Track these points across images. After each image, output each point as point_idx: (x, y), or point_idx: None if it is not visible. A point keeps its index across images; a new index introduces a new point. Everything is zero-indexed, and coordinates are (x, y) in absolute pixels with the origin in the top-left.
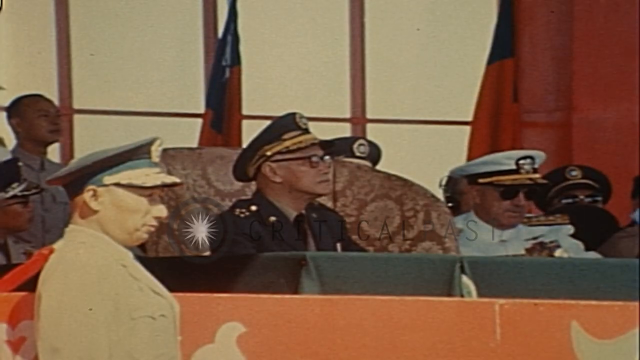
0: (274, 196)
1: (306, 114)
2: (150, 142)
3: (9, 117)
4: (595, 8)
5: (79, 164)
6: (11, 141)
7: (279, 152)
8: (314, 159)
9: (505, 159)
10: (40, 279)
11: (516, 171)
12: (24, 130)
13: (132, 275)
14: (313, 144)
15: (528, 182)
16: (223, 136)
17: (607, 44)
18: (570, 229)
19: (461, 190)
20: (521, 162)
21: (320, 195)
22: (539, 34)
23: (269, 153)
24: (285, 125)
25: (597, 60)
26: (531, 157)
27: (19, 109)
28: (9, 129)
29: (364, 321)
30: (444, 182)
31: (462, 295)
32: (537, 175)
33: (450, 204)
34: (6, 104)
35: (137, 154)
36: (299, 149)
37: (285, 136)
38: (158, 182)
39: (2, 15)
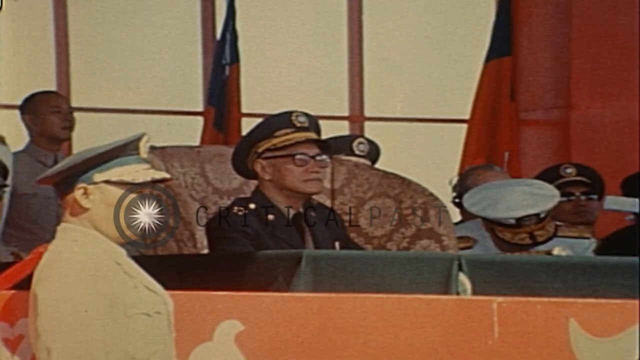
0: (270, 194)
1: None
2: (138, 138)
3: (22, 114)
4: (593, 6)
5: (69, 163)
6: (23, 138)
7: (268, 149)
8: (299, 157)
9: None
10: (34, 277)
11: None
12: (37, 127)
13: (127, 272)
14: (299, 142)
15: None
16: (224, 134)
17: (606, 42)
18: (593, 242)
19: (469, 185)
20: None
21: (308, 194)
22: (537, 32)
23: (260, 150)
24: (278, 122)
25: (596, 58)
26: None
27: (32, 106)
28: (21, 125)
29: (362, 319)
30: (454, 182)
31: (458, 293)
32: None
33: (458, 200)
34: (6, 101)
35: (125, 150)
36: (285, 147)
37: (277, 133)
38: (148, 178)
39: (2, 14)
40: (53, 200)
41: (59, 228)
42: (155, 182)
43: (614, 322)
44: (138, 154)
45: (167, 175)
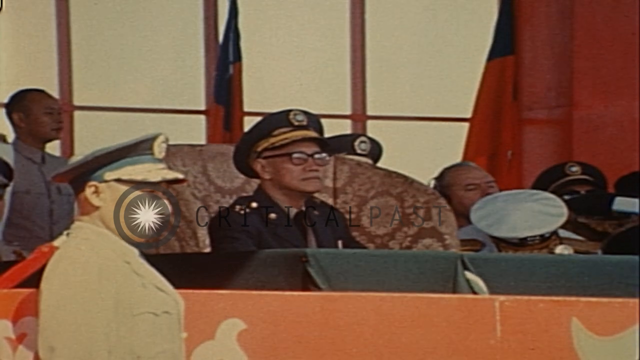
0: (272, 193)
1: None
2: (153, 138)
3: (10, 112)
4: (595, 5)
5: (82, 160)
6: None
7: (266, 149)
8: (296, 155)
9: None
10: (43, 275)
11: None
12: (27, 126)
13: (136, 271)
14: (296, 141)
15: None
16: (230, 133)
17: (608, 41)
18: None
19: (447, 184)
20: None
21: (307, 192)
22: (540, 31)
23: (259, 149)
24: (276, 121)
25: (598, 58)
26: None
27: (22, 104)
28: (7, 123)
29: (364, 318)
30: (432, 185)
31: (474, 292)
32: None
33: None
34: (5, 99)
35: (138, 149)
36: (282, 146)
37: (275, 132)
38: (159, 178)
39: (3, 13)
40: (45, 196)
41: (72, 226)
42: (167, 182)
43: (616, 321)
44: (152, 153)
45: (180, 176)
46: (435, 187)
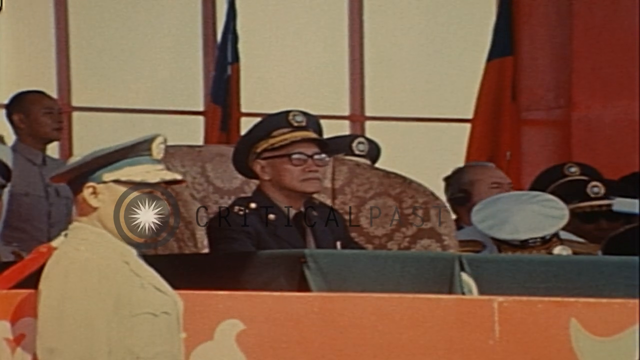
0: (271, 194)
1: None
2: (151, 139)
3: (10, 113)
4: (594, 5)
5: (80, 161)
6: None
7: (266, 150)
8: (295, 156)
9: None
10: (42, 276)
11: None
12: (28, 127)
13: (135, 272)
14: (295, 142)
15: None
16: (226, 134)
17: (607, 42)
18: None
19: (470, 180)
20: None
21: (307, 193)
22: (539, 31)
23: (258, 150)
24: (275, 122)
25: (597, 58)
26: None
27: (22, 105)
28: (8, 125)
29: (363, 318)
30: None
31: (463, 293)
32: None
33: (460, 195)
34: (4, 100)
35: (137, 150)
36: (282, 147)
37: (275, 133)
38: (157, 179)
39: (3, 13)
40: (44, 199)
41: (70, 227)
42: (165, 183)
43: (615, 322)
44: (150, 154)
45: (179, 177)
46: (448, 185)
